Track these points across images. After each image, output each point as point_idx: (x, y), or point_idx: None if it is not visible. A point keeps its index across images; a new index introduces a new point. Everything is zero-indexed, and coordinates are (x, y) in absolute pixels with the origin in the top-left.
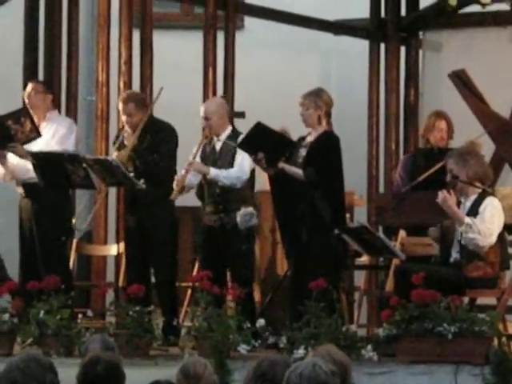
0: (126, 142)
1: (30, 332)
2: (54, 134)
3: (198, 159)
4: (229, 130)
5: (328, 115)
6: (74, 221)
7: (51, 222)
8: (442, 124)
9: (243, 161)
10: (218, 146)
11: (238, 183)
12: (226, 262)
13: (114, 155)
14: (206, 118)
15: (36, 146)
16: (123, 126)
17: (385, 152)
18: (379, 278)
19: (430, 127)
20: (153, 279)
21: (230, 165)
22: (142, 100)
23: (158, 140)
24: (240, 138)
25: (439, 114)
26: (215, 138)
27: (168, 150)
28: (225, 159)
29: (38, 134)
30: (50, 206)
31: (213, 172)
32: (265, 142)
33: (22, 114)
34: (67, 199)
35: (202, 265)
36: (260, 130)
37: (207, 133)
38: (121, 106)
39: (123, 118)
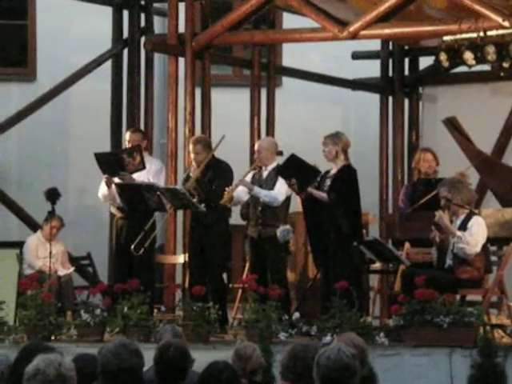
0: (191, 174)
1: (116, 323)
2: (149, 171)
3: (247, 179)
4: (275, 163)
5: (345, 152)
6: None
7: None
8: (428, 155)
9: (281, 186)
10: (265, 174)
11: (275, 202)
12: (265, 266)
13: (180, 185)
14: (259, 152)
15: (140, 176)
16: (189, 165)
17: (393, 181)
18: (389, 280)
19: (418, 160)
20: None
21: (272, 189)
22: (207, 142)
23: (217, 175)
24: (278, 166)
25: (424, 149)
26: (263, 168)
27: (225, 183)
28: (269, 184)
29: (143, 167)
30: (141, 226)
31: (256, 189)
32: (297, 170)
33: (136, 150)
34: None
35: (250, 269)
36: (294, 160)
37: (257, 163)
38: (191, 146)
39: (192, 155)
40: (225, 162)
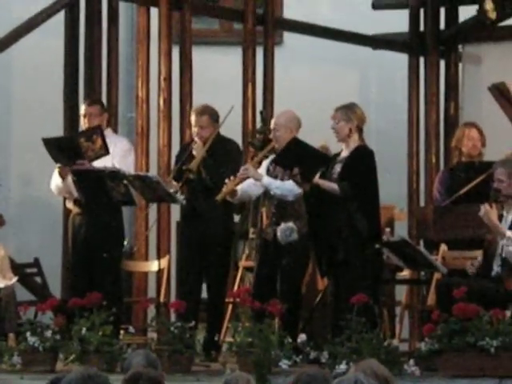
0: (194, 153)
1: (72, 349)
2: (113, 153)
3: (262, 170)
4: None
5: (360, 130)
6: (125, 242)
7: (106, 240)
8: (473, 132)
9: None
10: None
11: (290, 196)
12: (275, 276)
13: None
14: (275, 130)
15: (101, 163)
16: (192, 140)
17: (425, 165)
18: (421, 293)
19: (461, 137)
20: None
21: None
22: (215, 115)
23: (224, 156)
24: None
25: (468, 124)
26: None
27: (234, 167)
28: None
29: (106, 152)
30: (104, 224)
31: (265, 180)
32: (300, 157)
33: (96, 132)
34: (120, 216)
35: (257, 278)
36: (295, 145)
37: (274, 144)
38: (194, 118)
39: (194, 129)
40: (233, 141)
